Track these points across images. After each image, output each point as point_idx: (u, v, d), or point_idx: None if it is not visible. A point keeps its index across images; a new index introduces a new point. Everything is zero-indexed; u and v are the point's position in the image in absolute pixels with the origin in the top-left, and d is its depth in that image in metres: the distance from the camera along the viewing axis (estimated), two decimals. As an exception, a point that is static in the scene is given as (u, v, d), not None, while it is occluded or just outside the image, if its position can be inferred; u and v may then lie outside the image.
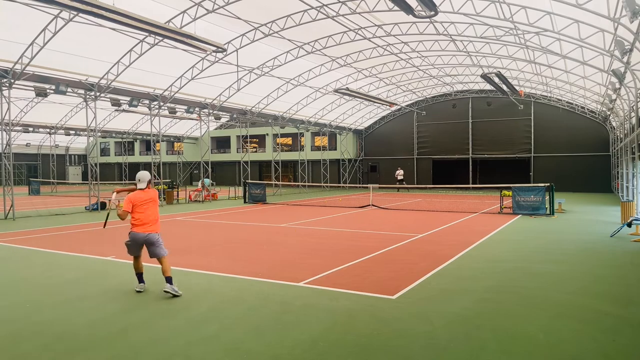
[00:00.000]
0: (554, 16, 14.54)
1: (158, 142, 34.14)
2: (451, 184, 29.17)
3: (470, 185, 29.54)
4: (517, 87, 26.83)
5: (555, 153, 32.58)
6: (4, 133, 17.10)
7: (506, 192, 18.08)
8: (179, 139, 43.53)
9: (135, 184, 6.99)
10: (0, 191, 18.59)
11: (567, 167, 31.83)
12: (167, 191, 23.60)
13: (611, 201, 23.23)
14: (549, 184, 17.19)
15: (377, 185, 32.27)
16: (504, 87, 25.36)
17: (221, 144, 47.91)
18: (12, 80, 16.27)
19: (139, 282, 7.01)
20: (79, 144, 46.91)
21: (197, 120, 36.47)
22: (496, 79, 23.11)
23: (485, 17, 15.99)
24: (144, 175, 6.92)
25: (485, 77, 22.79)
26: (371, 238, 12.01)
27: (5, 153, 17.12)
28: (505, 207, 17.81)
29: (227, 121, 31.22)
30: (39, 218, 16.95)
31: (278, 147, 38.87)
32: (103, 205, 19.89)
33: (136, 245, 6.83)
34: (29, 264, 9.14)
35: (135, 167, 46.86)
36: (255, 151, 45.95)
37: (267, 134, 41.67)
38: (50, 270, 8.54)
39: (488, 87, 33.12)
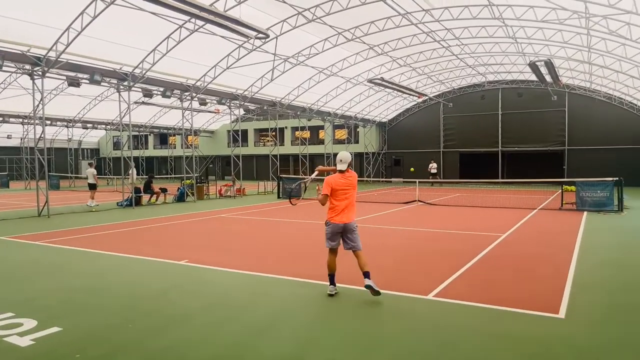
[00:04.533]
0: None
1: (189, 135, 33.37)
2: (478, 178, 28.14)
3: (533, 180, 27.47)
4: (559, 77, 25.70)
5: (590, 146, 31.40)
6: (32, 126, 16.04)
7: (568, 187, 17.07)
8: (195, 132, 42.45)
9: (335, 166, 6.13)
10: (33, 186, 17.57)
11: (604, 161, 30.35)
12: (198, 186, 22.56)
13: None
14: (617, 178, 16.10)
15: (402, 180, 31.59)
16: (547, 78, 24.27)
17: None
18: (46, 69, 15.15)
19: (331, 284, 6.14)
20: (90, 137, 45.90)
21: (215, 113, 35.42)
22: (544, 68, 22.03)
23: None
24: (345, 155, 6.07)
25: (532, 65, 21.76)
26: (455, 238, 11.04)
27: (38, 147, 16.11)
28: (566, 203, 16.80)
29: (258, 114, 30.03)
30: (74, 215, 15.99)
31: (297, 141, 37.73)
32: (137, 201, 19.03)
33: (335, 236, 6.05)
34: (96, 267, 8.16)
35: (149, 161, 45.92)
36: (275, 145, 44.93)
37: (286, 127, 40.65)
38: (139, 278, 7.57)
39: (520, 77, 32.06)
